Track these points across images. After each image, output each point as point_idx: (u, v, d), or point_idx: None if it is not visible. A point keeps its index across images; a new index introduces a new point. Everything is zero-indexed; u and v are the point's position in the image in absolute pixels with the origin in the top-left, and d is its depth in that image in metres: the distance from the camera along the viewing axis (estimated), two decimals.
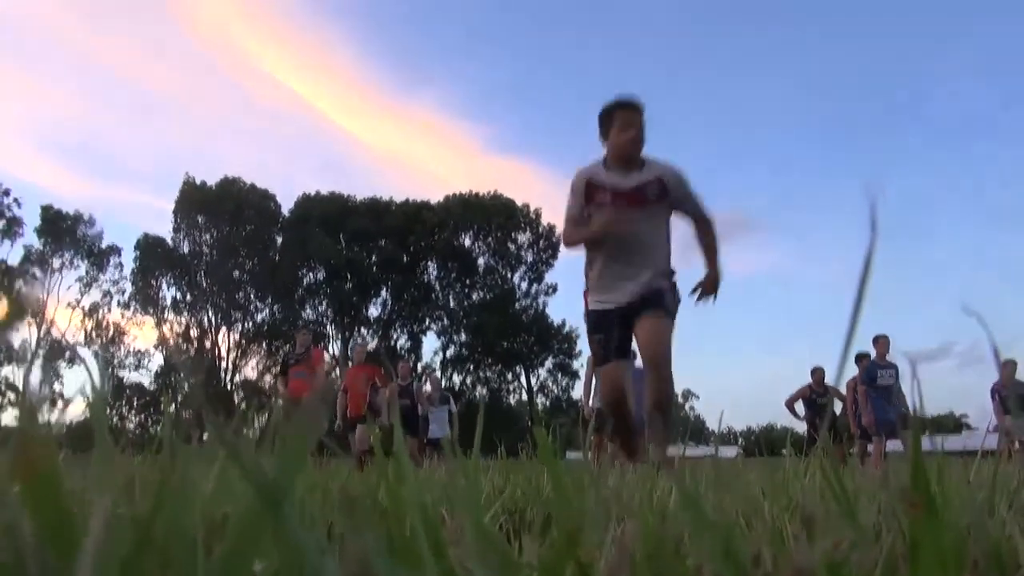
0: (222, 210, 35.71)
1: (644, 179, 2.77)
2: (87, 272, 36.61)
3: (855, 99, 53.17)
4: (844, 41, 51.39)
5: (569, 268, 35.51)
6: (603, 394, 2.81)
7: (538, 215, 36.56)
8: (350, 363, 8.17)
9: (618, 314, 2.77)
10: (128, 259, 36.78)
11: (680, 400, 35.14)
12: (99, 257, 36.83)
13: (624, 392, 2.75)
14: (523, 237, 36.56)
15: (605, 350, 2.80)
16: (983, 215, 48.73)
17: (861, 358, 7.30)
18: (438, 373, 37.01)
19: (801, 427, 7.90)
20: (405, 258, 36.56)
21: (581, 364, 36.44)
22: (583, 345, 37.00)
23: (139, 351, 37.43)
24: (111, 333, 37.09)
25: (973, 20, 47.32)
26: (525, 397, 36.43)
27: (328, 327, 37.40)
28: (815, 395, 7.70)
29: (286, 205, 36.00)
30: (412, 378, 8.73)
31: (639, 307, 2.71)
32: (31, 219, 34.30)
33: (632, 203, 2.74)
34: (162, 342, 36.99)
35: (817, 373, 7.72)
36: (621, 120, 2.72)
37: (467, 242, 36.74)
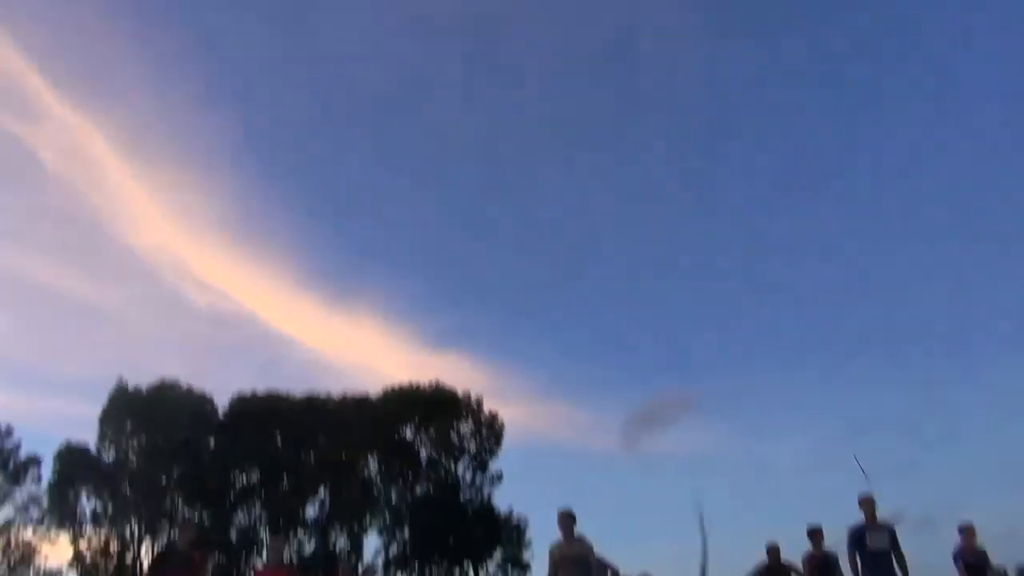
0: (154, 415, 38.30)
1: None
2: (1, 486, 37.99)
3: None
4: None
5: (514, 455, 38.81)
6: None
7: (480, 403, 40.33)
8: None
9: None
10: (46, 470, 38.41)
11: None
12: (16, 470, 38.43)
13: None
14: (465, 427, 40.00)
15: None
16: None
17: (813, 533, 7.66)
18: (379, 574, 38.56)
19: None
20: (344, 455, 39.29)
21: (532, 555, 38.59)
22: (533, 534, 39.46)
23: (50, 571, 38.03)
24: (20, 554, 37.84)
25: None
26: None
27: (262, 532, 39.04)
28: (772, 574, 7.90)
29: (221, 407, 38.88)
30: None
31: None
32: None
33: None
34: (77, 559, 37.83)
35: (773, 553, 7.94)
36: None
37: (408, 434, 39.92)
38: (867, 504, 7.04)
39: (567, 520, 6.49)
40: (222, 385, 65.55)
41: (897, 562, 6.78)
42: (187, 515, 39.57)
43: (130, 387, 38.95)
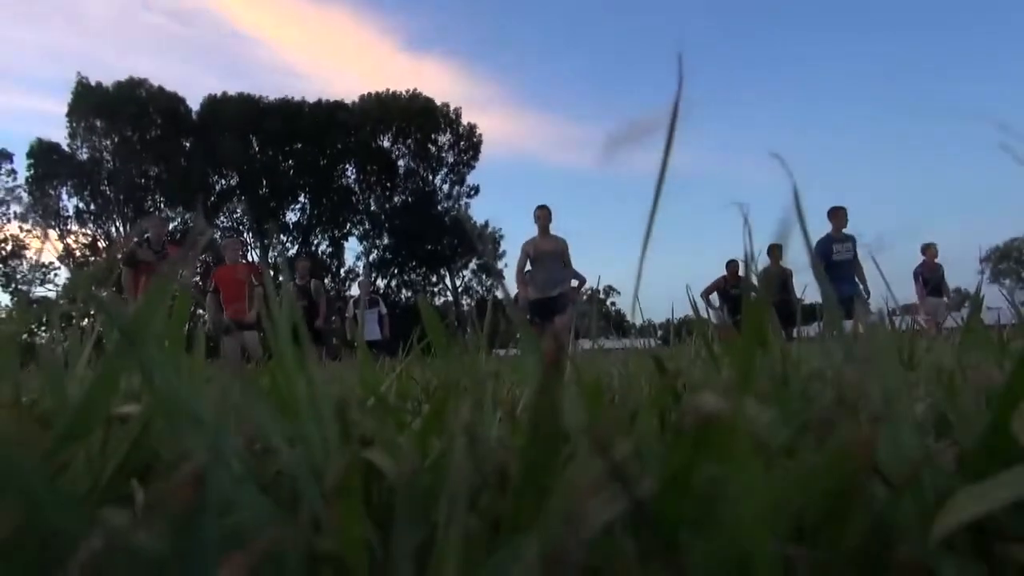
0: (122, 114, 39.95)
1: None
2: None
3: None
4: None
5: (491, 169, 42.05)
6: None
7: (458, 115, 42.58)
8: (225, 261, 8.32)
9: None
10: (21, 166, 40.81)
11: (602, 296, 42.87)
12: None
13: None
14: (443, 138, 42.62)
15: None
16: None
17: (771, 249, 7.68)
18: (362, 277, 43.68)
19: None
20: (322, 161, 42.11)
21: (505, 264, 43.67)
22: (507, 245, 44.24)
23: (43, 265, 42.13)
24: (10, 247, 41.55)
25: None
26: (451, 298, 43.58)
27: (246, 234, 43.00)
28: (729, 287, 8.60)
29: (195, 108, 40.57)
30: (310, 277, 9.13)
31: None
32: None
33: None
34: (68, 254, 41.85)
35: (732, 265, 8.70)
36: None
37: (386, 143, 42.56)
38: (838, 215, 7.56)
39: (545, 215, 6.73)
40: (192, 88, 66.65)
41: (856, 273, 7.34)
42: (169, 215, 43.10)
43: (92, 83, 40.05)
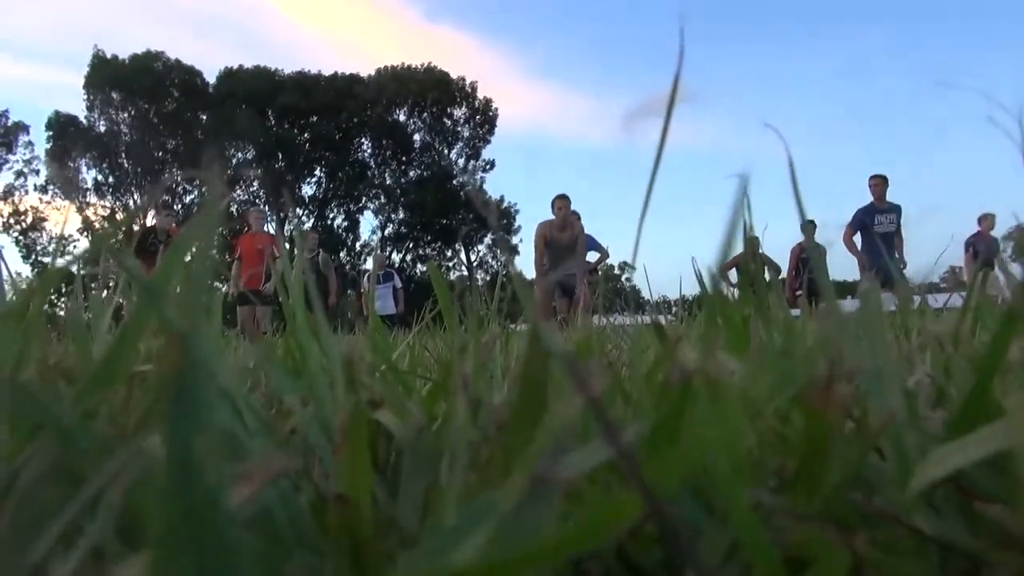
0: (139, 87, 40.10)
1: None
2: None
3: None
4: None
5: (507, 144, 41.81)
6: None
7: (474, 89, 42.27)
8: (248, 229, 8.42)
9: None
10: (39, 139, 41.24)
11: (616, 272, 42.81)
12: (6, 135, 41.14)
13: None
14: (459, 112, 42.38)
15: None
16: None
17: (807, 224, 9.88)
18: (379, 251, 43.84)
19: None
20: (338, 135, 42.10)
21: (520, 239, 43.66)
22: (522, 221, 44.16)
23: (63, 237, 42.68)
24: (30, 219, 42.14)
25: None
26: (465, 273, 43.67)
27: (264, 208, 43.24)
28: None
29: (211, 81, 40.61)
30: (318, 249, 9.31)
31: None
32: None
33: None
34: (87, 227, 42.31)
35: (752, 241, 11.59)
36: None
37: (402, 117, 42.41)
38: (879, 184, 7.10)
39: (562, 204, 6.74)
40: (208, 61, 66.89)
41: (898, 245, 6.97)
42: (186, 189, 43.41)
43: (108, 56, 40.18)
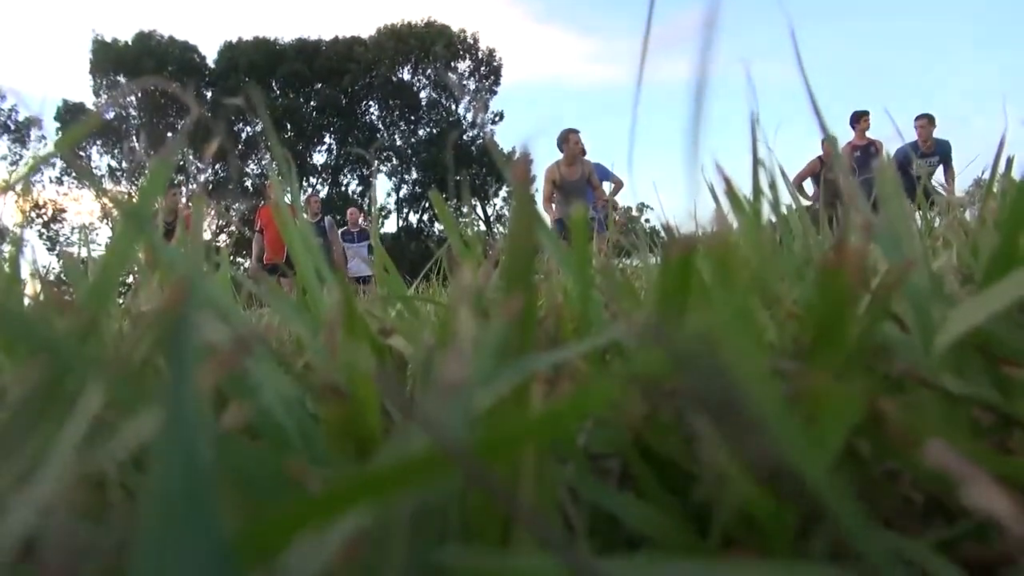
0: (142, 68, 39.99)
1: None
2: (9, 149, 41.50)
3: None
4: None
5: (515, 93, 41.11)
6: None
7: (476, 40, 41.43)
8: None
9: None
10: (51, 130, 41.49)
11: (635, 214, 42.40)
12: (19, 131, 41.50)
13: None
14: (463, 65, 41.66)
15: None
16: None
17: (859, 117, 6.94)
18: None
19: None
20: (343, 100, 41.74)
21: (537, 188, 43.27)
22: (537, 170, 43.72)
23: (84, 226, 43.32)
24: (50, 212, 42.78)
25: None
26: (484, 228, 43.60)
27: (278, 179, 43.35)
28: (826, 170, 8.18)
29: (209, 56, 40.32)
30: (322, 215, 9.34)
31: None
32: None
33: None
34: (105, 215, 42.84)
35: (827, 145, 8.95)
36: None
37: (406, 76, 41.84)
38: (924, 125, 6.53)
39: (573, 137, 6.51)
40: (205, 36, 66.38)
41: (945, 180, 6.35)
42: (199, 167, 43.45)
43: (108, 39, 40.01)
